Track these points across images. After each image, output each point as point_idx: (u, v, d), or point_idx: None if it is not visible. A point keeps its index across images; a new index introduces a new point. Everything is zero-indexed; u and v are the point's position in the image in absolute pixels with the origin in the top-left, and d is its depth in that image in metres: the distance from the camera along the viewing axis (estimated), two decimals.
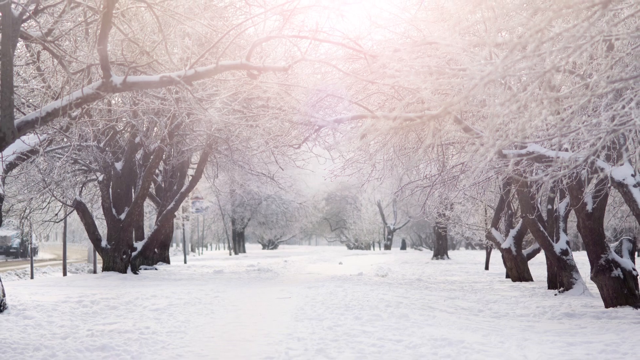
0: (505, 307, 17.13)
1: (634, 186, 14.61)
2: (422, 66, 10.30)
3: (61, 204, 26.70)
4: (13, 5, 10.58)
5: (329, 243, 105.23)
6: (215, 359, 10.17)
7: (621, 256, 16.53)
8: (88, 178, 27.20)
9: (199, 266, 35.97)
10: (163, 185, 33.34)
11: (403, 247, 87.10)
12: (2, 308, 14.13)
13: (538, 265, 31.00)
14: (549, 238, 20.47)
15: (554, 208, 21.15)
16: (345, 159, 19.82)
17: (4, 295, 14.34)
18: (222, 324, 13.39)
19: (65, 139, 17.78)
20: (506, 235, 26.52)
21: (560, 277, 20.39)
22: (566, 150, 12.72)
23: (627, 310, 15.47)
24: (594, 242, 16.33)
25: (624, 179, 14.62)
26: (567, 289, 19.81)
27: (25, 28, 12.37)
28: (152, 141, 26.97)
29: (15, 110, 11.15)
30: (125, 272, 26.35)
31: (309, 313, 14.65)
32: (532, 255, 27.20)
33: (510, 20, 9.79)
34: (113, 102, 18.80)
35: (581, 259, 28.20)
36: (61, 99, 10.99)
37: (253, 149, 25.64)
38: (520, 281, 25.59)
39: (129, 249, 26.77)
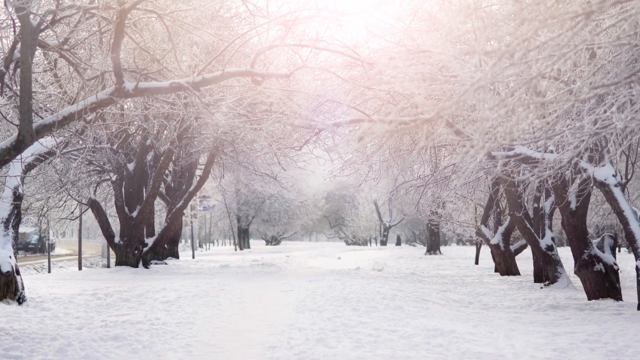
0: (494, 299, 17.13)
1: (615, 186, 14.61)
2: (416, 73, 10.30)
3: (77, 202, 26.72)
4: (31, 16, 10.58)
5: (328, 239, 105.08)
6: (221, 348, 10.17)
7: (603, 252, 16.53)
8: (102, 178, 27.22)
9: (206, 261, 35.96)
10: (172, 184, 33.35)
11: (398, 243, 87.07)
12: (21, 300, 14.13)
13: (525, 260, 31.01)
14: (535, 234, 20.47)
15: (540, 206, 21.15)
16: (343, 160, 19.81)
17: (23, 289, 14.34)
18: (228, 315, 13.39)
19: (80, 142, 17.77)
20: (495, 232, 26.52)
21: (546, 271, 20.39)
22: (551, 152, 12.71)
23: (609, 303, 15.47)
24: (578, 239, 16.33)
25: (605, 179, 14.63)
26: (552, 283, 19.81)
27: (43, 37, 12.37)
28: (162, 143, 26.97)
29: (33, 114, 11.14)
30: (136, 266, 26.36)
31: (310, 305, 14.64)
32: (519, 250, 27.21)
33: (499, 29, 9.79)
34: (125, 106, 18.79)
35: (565, 254, 28.17)
36: (77, 104, 10.99)
37: (257, 150, 25.65)
38: (508, 275, 25.59)
39: (141, 244, 26.78)
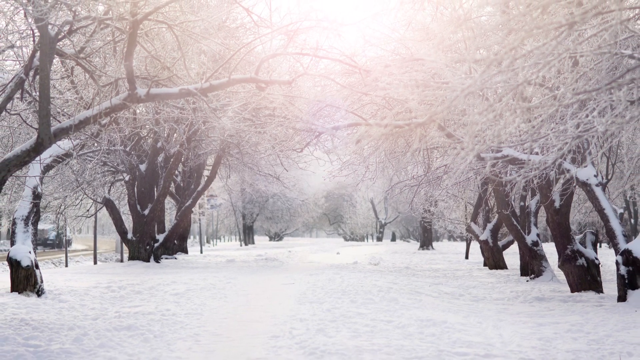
0: (483, 291, 17.13)
1: (596, 185, 14.61)
2: (410, 80, 10.30)
3: (92, 201, 26.72)
4: (50, 26, 10.58)
5: (327, 235, 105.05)
6: (228, 337, 10.17)
7: (585, 247, 16.54)
8: (116, 178, 27.22)
9: (213, 256, 35.95)
10: (182, 184, 33.36)
11: (393, 239, 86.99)
12: (40, 293, 14.13)
13: (512, 255, 31.00)
14: (521, 231, 20.47)
15: (526, 204, 21.15)
16: (342, 162, 19.82)
17: (42, 282, 14.34)
18: (233, 307, 13.39)
19: (95, 144, 17.78)
20: (484, 229, 26.52)
21: (532, 265, 20.39)
22: (537, 153, 12.71)
23: (590, 295, 15.47)
24: (561, 235, 16.33)
25: (587, 179, 14.63)
26: (537, 276, 19.81)
27: (61, 46, 12.36)
28: (172, 146, 26.97)
29: (51, 118, 11.14)
30: (148, 261, 26.36)
31: (310, 297, 14.64)
32: (506, 246, 27.20)
33: (488, 39, 9.78)
34: (138, 111, 18.78)
35: (550, 250, 28.20)
36: (92, 109, 10.99)
37: (261, 152, 25.65)
38: (496, 269, 25.58)
39: (152, 240, 26.78)
